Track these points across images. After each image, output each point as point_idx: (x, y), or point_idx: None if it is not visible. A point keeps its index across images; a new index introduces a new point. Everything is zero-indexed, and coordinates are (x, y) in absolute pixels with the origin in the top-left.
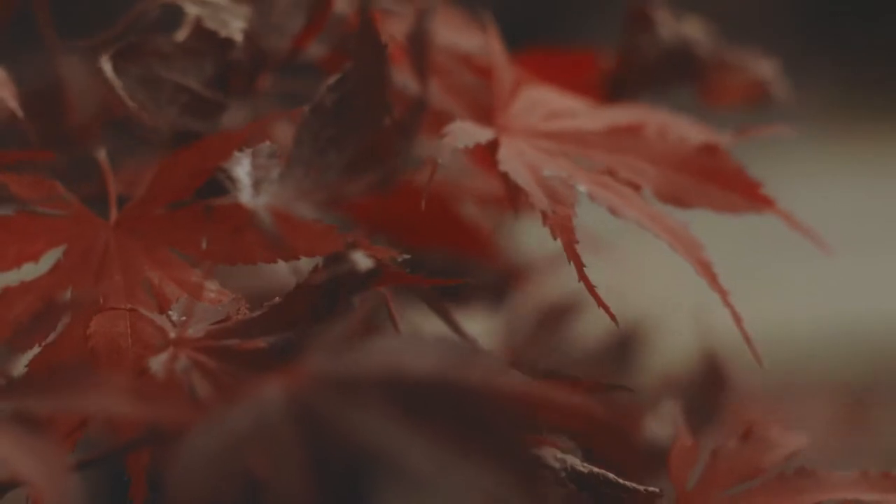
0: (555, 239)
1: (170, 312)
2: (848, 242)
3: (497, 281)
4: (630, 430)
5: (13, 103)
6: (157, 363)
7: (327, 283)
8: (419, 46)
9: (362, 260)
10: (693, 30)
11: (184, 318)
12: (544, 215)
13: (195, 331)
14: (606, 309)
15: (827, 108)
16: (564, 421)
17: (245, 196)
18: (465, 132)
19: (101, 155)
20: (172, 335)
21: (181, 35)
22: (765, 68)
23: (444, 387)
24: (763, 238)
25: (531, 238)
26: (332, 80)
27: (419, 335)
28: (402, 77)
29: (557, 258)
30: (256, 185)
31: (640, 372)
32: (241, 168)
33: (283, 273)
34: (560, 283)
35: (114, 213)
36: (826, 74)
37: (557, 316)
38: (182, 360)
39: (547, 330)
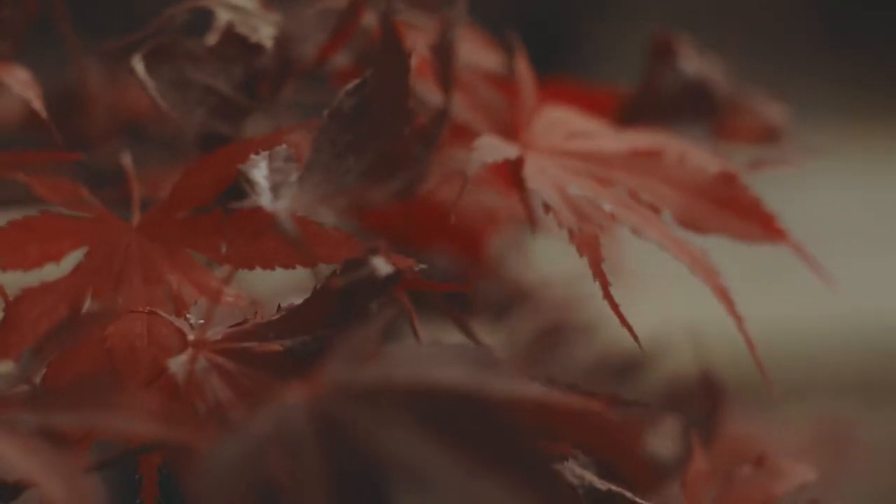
0: (581, 256)
1: (188, 315)
2: (860, 241)
3: (499, 296)
4: (637, 440)
5: (38, 104)
6: (177, 364)
7: (346, 288)
8: (444, 56)
9: (382, 265)
10: (712, 68)
11: (202, 320)
12: (571, 233)
13: (214, 333)
14: (629, 328)
15: (840, 106)
16: (581, 431)
17: (265, 199)
18: (492, 147)
19: (126, 158)
20: (191, 337)
21: (212, 39)
22: (777, 112)
23: (465, 397)
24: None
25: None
26: (351, 84)
27: (440, 344)
28: (424, 88)
29: (561, 276)
30: (275, 188)
31: (640, 388)
32: (259, 171)
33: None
34: (562, 300)
35: (136, 216)
36: (840, 73)
37: (558, 332)
38: (201, 361)
39: (547, 346)
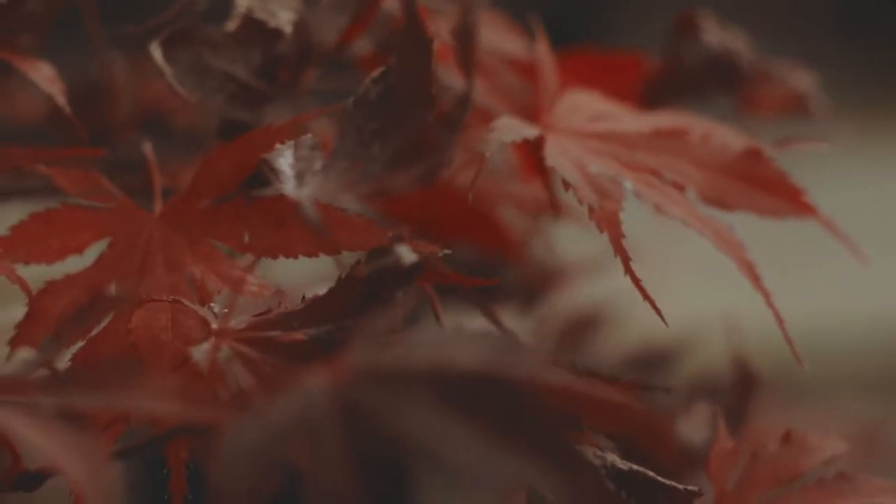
0: (601, 233)
1: (212, 305)
2: (882, 238)
3: (527, 285)
4: (667, 428)
5: (62, 100)
6: (200, 352)
7: (370, 277)
8: (465, 40)
9: (407, 254)
10: (736, 40)
11: (226, 310)
12: (591, 210)
13: (237, 322)
14: (653, 304)
15: (861, 103)
16: (605, 417)
17: (288, 187)
18: (512, 128)
19: (147, 148)
20: (215, 326)
21: (231, 25)
22: (803, 81)
23: (488, 380)
24: (796, 231)
25: (566, 244)
26: (376, 72)
27: (463, 328)
28: (447, 74)
29: (590, 263)
30: (299, 176)
31: (672, 374)
32: (284, 160)
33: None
34: (590, 290)
35: (158, 206)
36: (860, 67)
37: (586, 321)
38: (224, 350)
39: (575, 335)
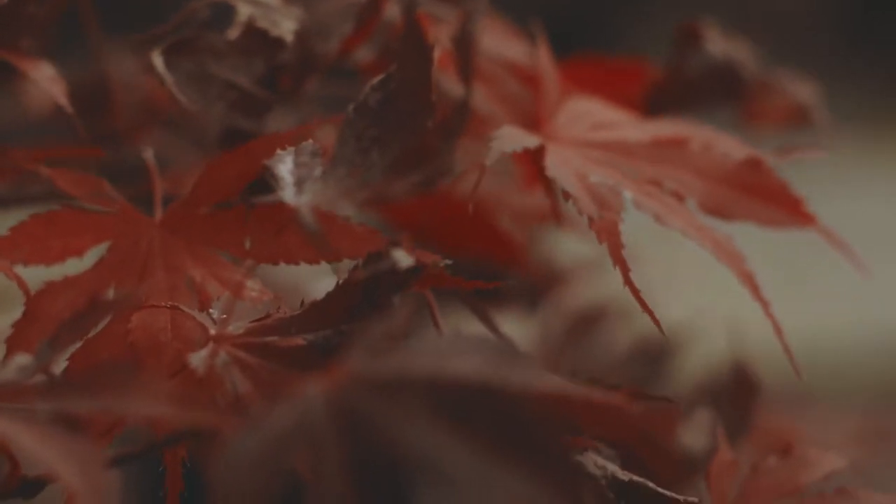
0: (601, 243)
1: (210, 310)
2: (889, 247)
3: (530, 287)
4: (667, 436)
5: (63, 100)
6: (198, 358)
7: (367, 282)
8: (464, 48)
9: (403, 258)
10: (739, 50)
11: (224, 315)
12: (591, 220)
13: (235, 327)
14: (651, 314)
15: (870, 108)
16: (603, 423)
17: (288, 194)
18: (513, 137)
19: (148, 153)
20: (213, 331)
21: (233, 33)
22: (806, 92)
23: (486, 389)
24: (799, 242)
25: (566, 248)
26: (376, 79)
27: (460, 336)
28: (447, 81)
29: (591, 266)
30: (299, 183)
31: (672, 379)
32: (284, 166)
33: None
34: (592, 290)
35: (159, 212)
36: (870, 75)
37: (589, 322)
38: (222, 355)
39: (579, 336)
